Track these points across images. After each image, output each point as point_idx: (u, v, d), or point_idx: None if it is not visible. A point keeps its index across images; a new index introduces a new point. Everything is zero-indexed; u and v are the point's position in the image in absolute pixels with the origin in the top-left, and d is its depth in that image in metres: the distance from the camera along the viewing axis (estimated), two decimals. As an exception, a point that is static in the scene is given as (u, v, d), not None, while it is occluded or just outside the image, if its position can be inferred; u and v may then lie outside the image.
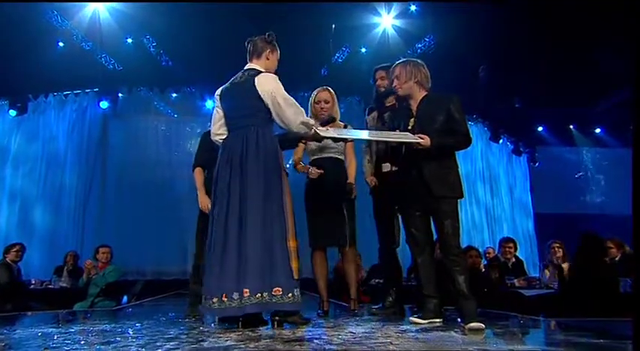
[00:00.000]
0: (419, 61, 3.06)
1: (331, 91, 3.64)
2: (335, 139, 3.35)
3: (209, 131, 3.60)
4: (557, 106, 9.00)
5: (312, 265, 3.55)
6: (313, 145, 3.50)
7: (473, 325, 2.62)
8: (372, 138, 3.22)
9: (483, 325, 2.62)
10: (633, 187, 1.95)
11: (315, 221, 3.48)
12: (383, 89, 3.58)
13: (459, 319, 2.80)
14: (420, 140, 2.77)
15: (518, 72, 7.88)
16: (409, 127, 2.95)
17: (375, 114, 3.68)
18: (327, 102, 3.57)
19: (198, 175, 3.58)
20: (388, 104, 3.59)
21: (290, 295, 2.60)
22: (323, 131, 2.87)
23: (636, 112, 2.26)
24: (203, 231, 3.43)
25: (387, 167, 3.48)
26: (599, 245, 3.92)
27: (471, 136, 2.94)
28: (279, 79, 2.85)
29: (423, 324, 2.82)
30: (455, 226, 2.81)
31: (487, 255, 6.22)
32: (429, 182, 2.82)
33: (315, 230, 3.47)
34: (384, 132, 3.12)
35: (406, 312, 3.55)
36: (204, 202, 3.41)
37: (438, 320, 2.87)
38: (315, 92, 3.64)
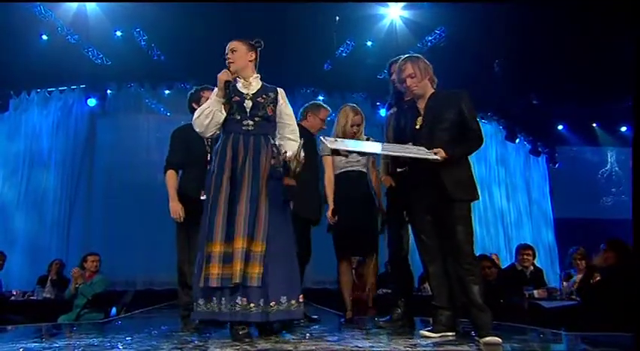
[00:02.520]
0: (420, 56, 3.09)
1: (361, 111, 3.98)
2: (340, 153, 3.43)
3: (181, 128, 3.63)
4: (579, 102, 8.97)
5: (337, 274, 3.94)
6: (337, 159, 3.79)
7: (488, 339, 2.61)
8: (384, 152, 3.13)
9: (500, 340, 2.61)
10: (633, 187, 1.95)
11: (342, 232, 3.81)
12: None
13: (473, 333, 2.79)
14: (436, 157, 2.75)
15: (536, 66, 7.86)
16: (417, 127, 2.96)
17: (394, 109, 3.66)
18: (358, 125, 3.91)
19: (171, 179, 3.49)
20: (407, 98, 3.58)
21: None
22: (330, 142, 2.90)
23: (636, 112, 2.28)
24: (189, 236, 3.42)
25: (402, 167, 3.46)
26: (627, 253, 3.90)
27: (483, 135, 2.94)
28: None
29: (435, 338, 2.81)
30: (468, 232, 2.81)
31: None
32: (443, 185, 2.81)
33: (342, 241, 3.84)
34: (397, 146, 3.04)
35: (416, 325, 3.53)
36: (176, 209, 3.37)
37: (450, 334, 2.87)
38: (346, 113, 3.92)
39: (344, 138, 3.73)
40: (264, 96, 2.94)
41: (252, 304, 2.65)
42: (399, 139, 3.28)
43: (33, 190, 8.20)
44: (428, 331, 2.90)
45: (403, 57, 3.11)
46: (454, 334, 2.88)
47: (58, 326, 4.48)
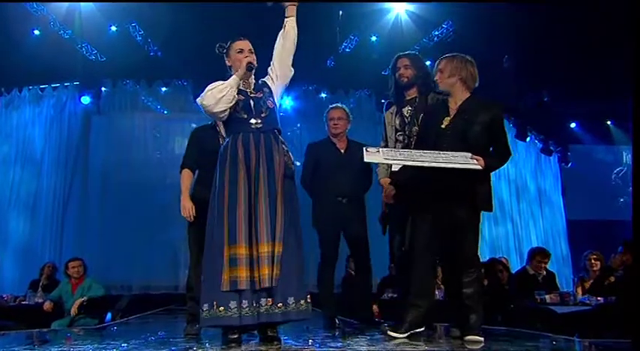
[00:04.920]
0: (468, 57, 3.14)
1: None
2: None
3: (199, 127, 3.73)
4: (593, 99, 8.93)
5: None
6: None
7: (471, 337, 2.87)
8: (423, 163, 2.94)
9: (482, 338, 2.85)
10: (633, 187, 1.96)
11: None
12: (405, 79, 3.54)
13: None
14: (477, 166, 2.83)
15: (547, 61, 7.84)
16: (442, 126, 3.02)
17: (394, 108, 3.66)
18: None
19: (184, 177, 3.58)
20: (409, 97, 3.57)
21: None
22: (368, 154, 2.97)
23: (636, 113, 2.32)
24: (198, 240, 3.48)
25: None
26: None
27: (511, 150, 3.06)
28: None
29: (402, 338, 2.94)
30: (476, 240, 3.02)
31: None
32: (469, 194, 2.93)
33: None
34: (437, 154, 2.94)
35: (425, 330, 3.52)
36: (187, 206, 3.46)
37: (419, 329, 3.05)
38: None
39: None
40: (261, 91, 3.02)
41: (279, 304, 2.71)
42: (402, 139, 3.43)
43: (25, 190, 8.21)
44: (392, 329, 3.03)
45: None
46: (422, 329, 3.07)
47: (52, 332, 4.47)
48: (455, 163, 2.83)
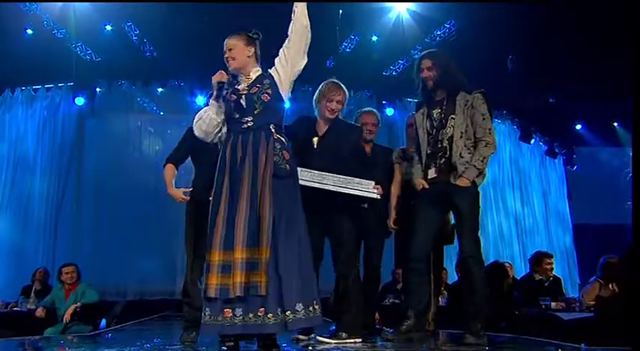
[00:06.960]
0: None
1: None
2: None
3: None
4: (599, 99, 8.94)
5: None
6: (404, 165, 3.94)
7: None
8: (326, 187, 3.22)
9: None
10: (633, 188, 1.97)
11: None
12: (431, 82, 3.41)
13: None
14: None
15: (552, 61, 7.85)
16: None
17: (424, 109, 3.50)
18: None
19: (167, 171, 3.71)
20: (438, 99, 3.45)
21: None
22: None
23: (636, 113, 2.33)
24: (195, 243, 3.49)
25: (432, 173, 3.38)
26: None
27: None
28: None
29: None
30: None
31: None
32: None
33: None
34: (336, 178, 3.24)
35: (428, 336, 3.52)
36: (176, 194, 3.58)
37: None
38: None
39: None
40: (257, 85, 2.90)
41: (269, 315, 2.60)
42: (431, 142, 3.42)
43: (17, 194, 8.20)
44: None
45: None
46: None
47: (45, 340, 4.47)
48: (357, 189, 3.24)
